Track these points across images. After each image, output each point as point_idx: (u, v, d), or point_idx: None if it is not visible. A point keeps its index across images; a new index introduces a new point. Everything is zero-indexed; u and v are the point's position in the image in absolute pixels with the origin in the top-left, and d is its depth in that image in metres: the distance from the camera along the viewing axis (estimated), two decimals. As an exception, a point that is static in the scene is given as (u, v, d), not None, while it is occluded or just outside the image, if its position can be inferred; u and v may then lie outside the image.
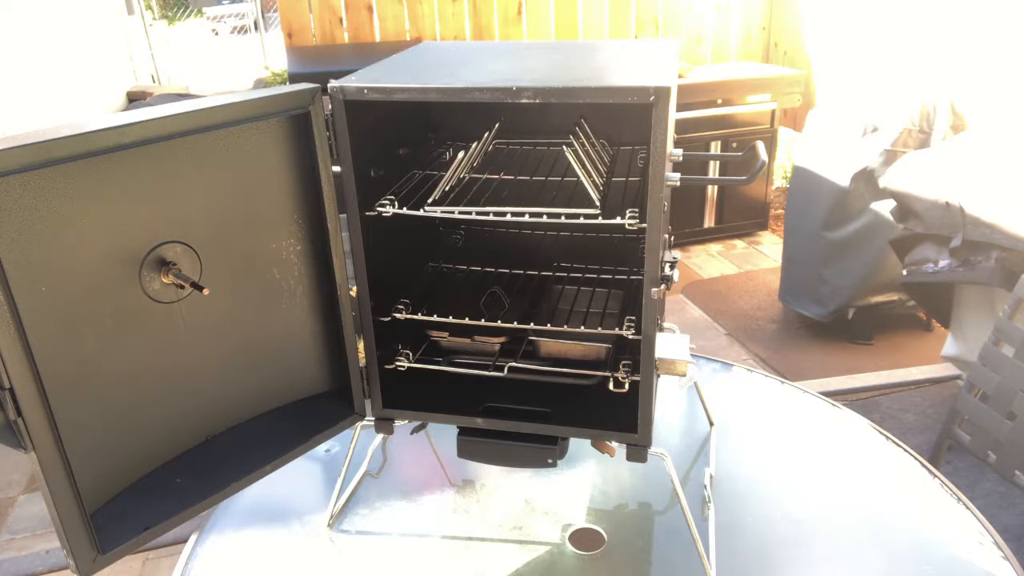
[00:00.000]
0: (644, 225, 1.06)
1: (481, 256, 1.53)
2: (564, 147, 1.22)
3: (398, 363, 1.27)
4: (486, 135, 1.35)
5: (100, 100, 6.14)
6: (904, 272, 2.80)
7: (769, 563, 1.23)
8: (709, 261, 4.49)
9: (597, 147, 1.34)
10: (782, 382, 1.72)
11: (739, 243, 4.71)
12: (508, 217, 1.17)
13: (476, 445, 1.22)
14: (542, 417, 1.20)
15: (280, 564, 1.26)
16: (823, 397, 1.65)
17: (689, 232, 4.62)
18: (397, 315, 1.26)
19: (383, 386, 1.24)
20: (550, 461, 1.19)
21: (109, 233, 0.95)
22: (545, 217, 1.15)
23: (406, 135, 1.35)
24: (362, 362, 1.23)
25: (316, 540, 1.31)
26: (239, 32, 12.56)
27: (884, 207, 3.11)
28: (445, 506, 1.37)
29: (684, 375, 1.16)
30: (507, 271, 1.52)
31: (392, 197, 1.18)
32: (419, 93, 1.05)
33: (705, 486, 1.37)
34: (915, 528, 1.30)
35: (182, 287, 1.04)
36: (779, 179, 5.26)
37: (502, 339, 1.33)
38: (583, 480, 1.42)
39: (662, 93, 0.96)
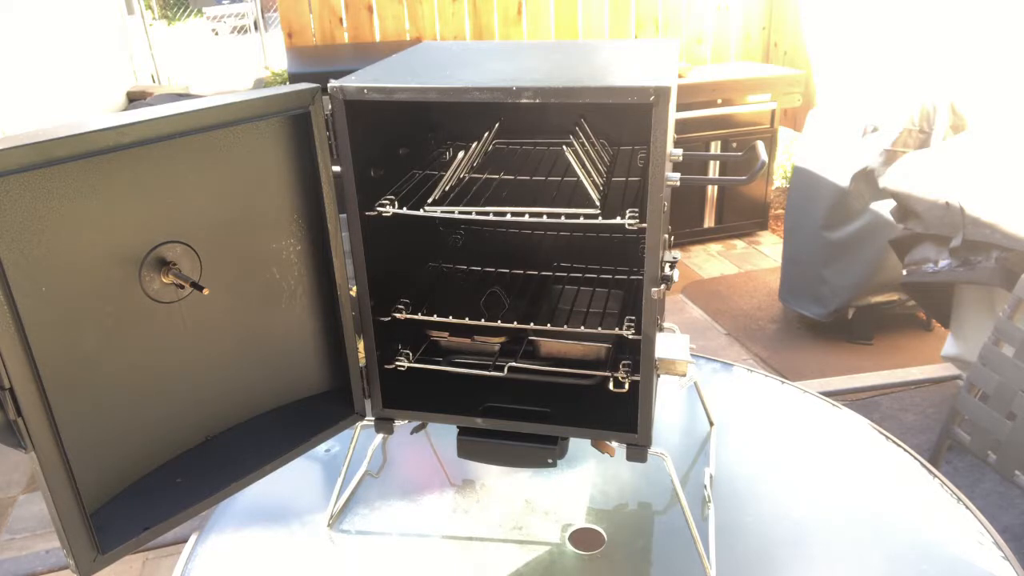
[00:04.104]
0: (644, 225, 1.06)
1: (481, 256, 1.53)
2: (564, 147, 1.22)
3: (398, 363, 1.27)
4: (486, 135, 1.35)
5: (100, 100, 6.13)
6: (904, 272, 2.80)
7: (769, 563, 1.23)
8: (709, 261, 4.49)
9: (597, 147, 1.34)
10: (782, 382, 1.72)
11: (739, 243, 4.71)
12: (508, 217, 1.17)
13: (476, 445, 1.22)
14: (542, 417, 1.20)
15: (280, 564, 1.26)
16: (823, 397, 1.65)
17: (689, 232, 4.62)
18: (397, 315, 1.26)
19: (383, 386, 1.24)
20: (550, 461, 1.19)
21: (109, 233, 0.95)
22: (545, 217, 1.15)
23: (406, 135, 1.35)
24: (362, 362, 1.23)
25: (316, 540, 1.31)
26: (239, 32, 12.56)
27: (884, 207, 3.11)
28: (445, 506, 1.37)
29: (684, 375, 1.17)
30: (507, 271, 1.52)
31: (392, 197, 1.18)
32: (419, 93, 1.05)
33: (705, 486, 1.37)
34: (915, 528, 1.30)
35: (182, 287, 1.04)
36: (779, 179, 5.26)
37: (502, 339, 1.33)
38: (583, 480, 1.42)
39: (662, 93, 0.96)
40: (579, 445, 1.34)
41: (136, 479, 1.06)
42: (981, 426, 1.85)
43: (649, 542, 1.28)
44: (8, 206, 0.84)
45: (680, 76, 4.29)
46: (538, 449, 1.18)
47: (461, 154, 1.27)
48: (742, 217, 4.70)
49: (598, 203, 1.14)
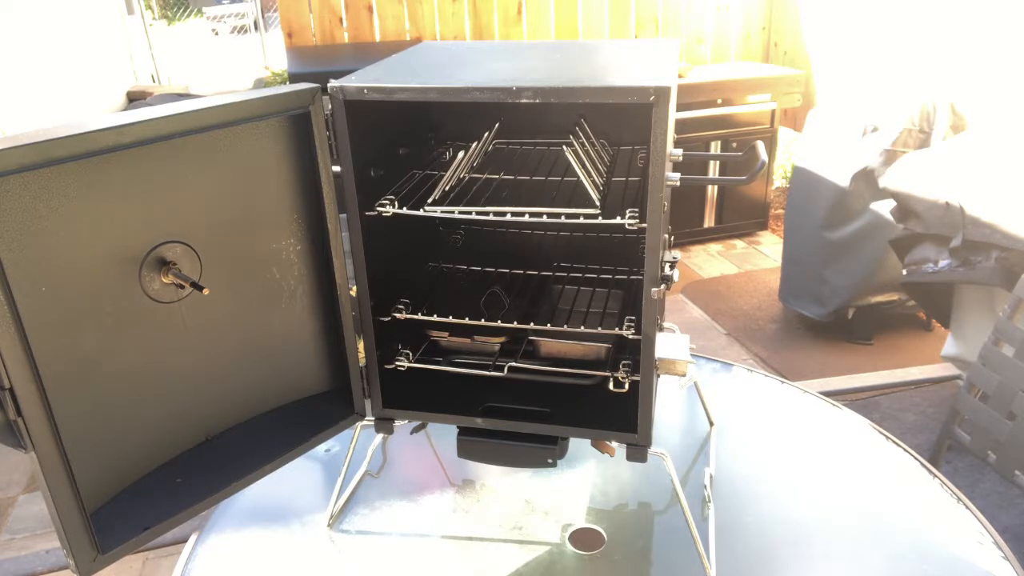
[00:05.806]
0: (644, 225, 1.06)
1: (481, 256, 1.53)
2: (564, 147, 1.22)
3: (398, 363, 1.27)
4: (486, 135, 1.35)
5: (100, 100, 6.13)
6: (904, 272, 2.80)
7: (769, 563, 1.23)
8: (709, 261, 4.49)
9: (597, 147, 1.34)
10: (782, 382, 1.72)
11: (739, 243, 4.71)
12: (508, 217, 1.17)
13: (476, 445, 1.22)
14: (542, 417, 1.20)
15: (280, 564, 1.26)
16: (823, 397, 1.65)
17: (689, 232, 4.62)
18: (397, 315, 1.26)
19: (383, 386, 1.24)
20: (550, 461, 1.19)
21: (109, 233, 0.95)
22: (545, 217, 1.15)
23: (406, 135, 1.35)
24: (362, 362, 1.23)
25: (316, 540, 1.31)
26: (239, 32, 12.56)
27: (884, 207, 3.11)
28: (445, 506, 1.37)
29: (684, 375, 1.17)
30: (507, 271, 1.52)
31: (392, 197, 1.18)
32: (419, 93, 1.05)
33: (705, 486, 1.37)
34: (915, 528, 1.30)
35: (182, 287, 1.04)
36: (779, 179, 5.26)
37: (502, 339, 1.33)
38: (583, 480, 1.42)
39: (662, 93, 0.96)
40: (579, 445, 1.34)
41: (136, 479, 1.06)
42: (981, 426, 1.85)
43: (649, 542, 1.28)
44: (8, 206, 0.84)
45: (680, 76, 4.29)
46: (538, 449, 1.19)
47: (461, 154, 1.27)
48: (742, 217, 4.70)
49: (598, 203, 1.14)
